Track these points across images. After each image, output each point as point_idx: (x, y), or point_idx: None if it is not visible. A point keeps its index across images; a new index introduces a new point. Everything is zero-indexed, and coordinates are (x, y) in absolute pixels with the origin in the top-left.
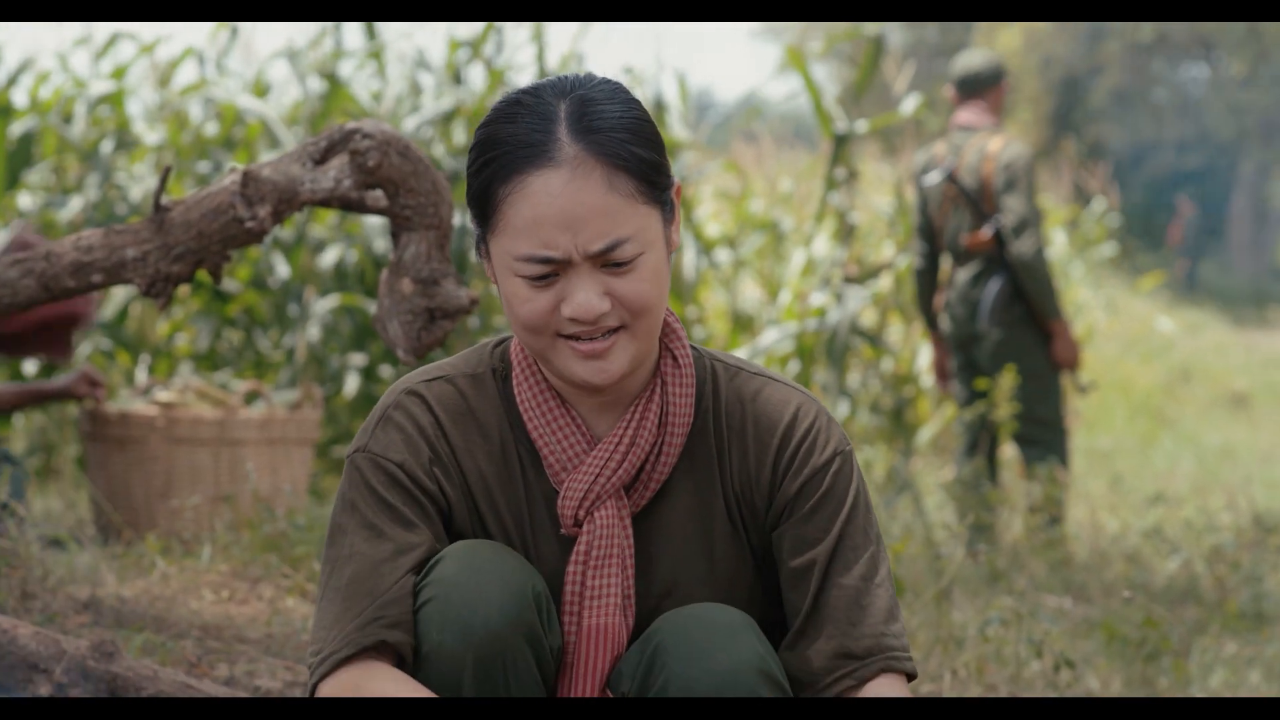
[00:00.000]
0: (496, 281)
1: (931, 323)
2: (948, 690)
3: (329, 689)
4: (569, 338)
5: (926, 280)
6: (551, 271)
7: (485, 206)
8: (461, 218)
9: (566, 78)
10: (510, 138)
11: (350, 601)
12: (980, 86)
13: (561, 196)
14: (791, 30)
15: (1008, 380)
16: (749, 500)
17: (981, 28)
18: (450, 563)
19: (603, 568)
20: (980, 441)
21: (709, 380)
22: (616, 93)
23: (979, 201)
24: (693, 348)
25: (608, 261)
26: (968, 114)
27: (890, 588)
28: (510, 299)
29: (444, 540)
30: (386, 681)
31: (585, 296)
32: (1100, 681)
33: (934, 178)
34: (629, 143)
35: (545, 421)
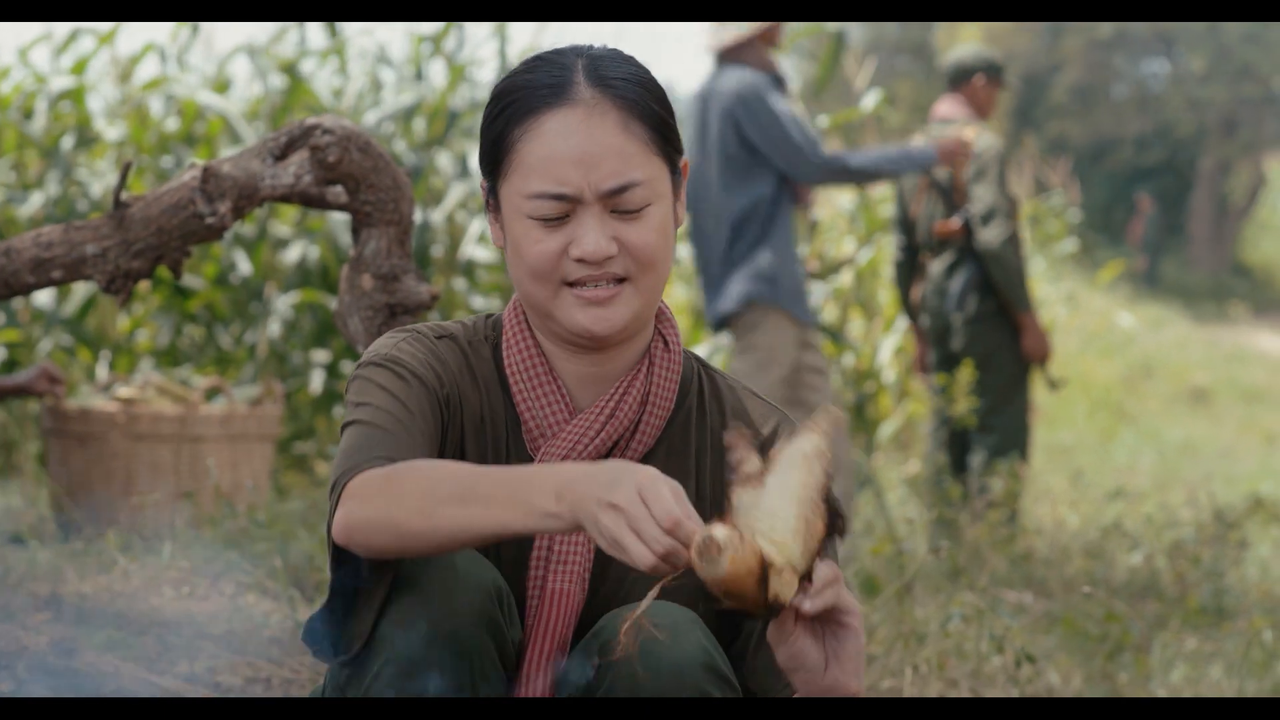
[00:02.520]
0: (504, 236)
1: (912, 315)
2: (909, 686)
3: (360, 479)
4: (574, 285)
5: (905, 272)
6: (563, 212)
7: (498, 152)
8: (423, 214)
9: (583, 44)
10: (528, 84)
11: (386, 441)
12: (956, 79)
13: (577, 133)
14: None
15: (965, 375)
16: (720, 505)
17: (943, 24)
18: (410, 559)
19: (570, 536)
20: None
21: (695, 380)
22: (631, 58)
23: (949, 191)
24: (683, 350)
25: (618, 206)
26: (946, 106)
27: None
28: (519, 242)
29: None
30: (422, 464)
31: (594, 238)
32: (1061, 677)
33: None
34: (644, 96)
35: (530, 386)
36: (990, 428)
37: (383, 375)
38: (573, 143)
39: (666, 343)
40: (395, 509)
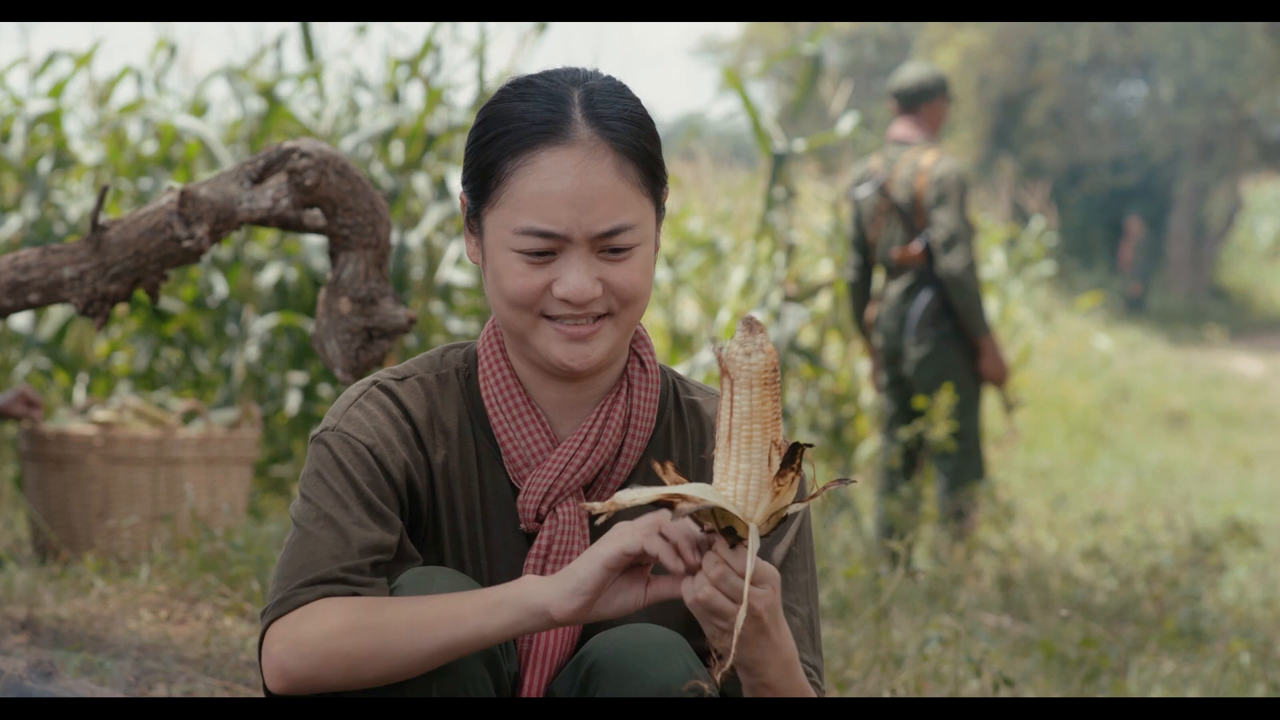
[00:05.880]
0: (483, 258)
1: (865, 334)
2: None
3: (281, 626)
4: (553, 319)
5: (859, 293)
6: (549, 249)
7: (489, 180)
8: (400, 237)
9: (576, 68)
10: (524, 115)
11: (315, 561)
12: (916, 101)
13: (572, 175)
14: (730, 50)
15: (945, 399)
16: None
17: (920, 46)
18: (407, 592)
19: (562, 562)
20: (919, 461)
21: (670, 395)
22: (624, 89)
23: (910, 215)
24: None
25: (606, 247)
26: (902, 128)
27: (817, 612)
28: (501, 273)
29: (402, 534)
30: (340, 607)
31: (579, 279)
32: None
33: (865, 190)
34: (638, 135)
35: (510, 417)
36: (947, 451)
37: (329, 464)
38: (567, 184)
39: (643, 363)
40: (336, 648)
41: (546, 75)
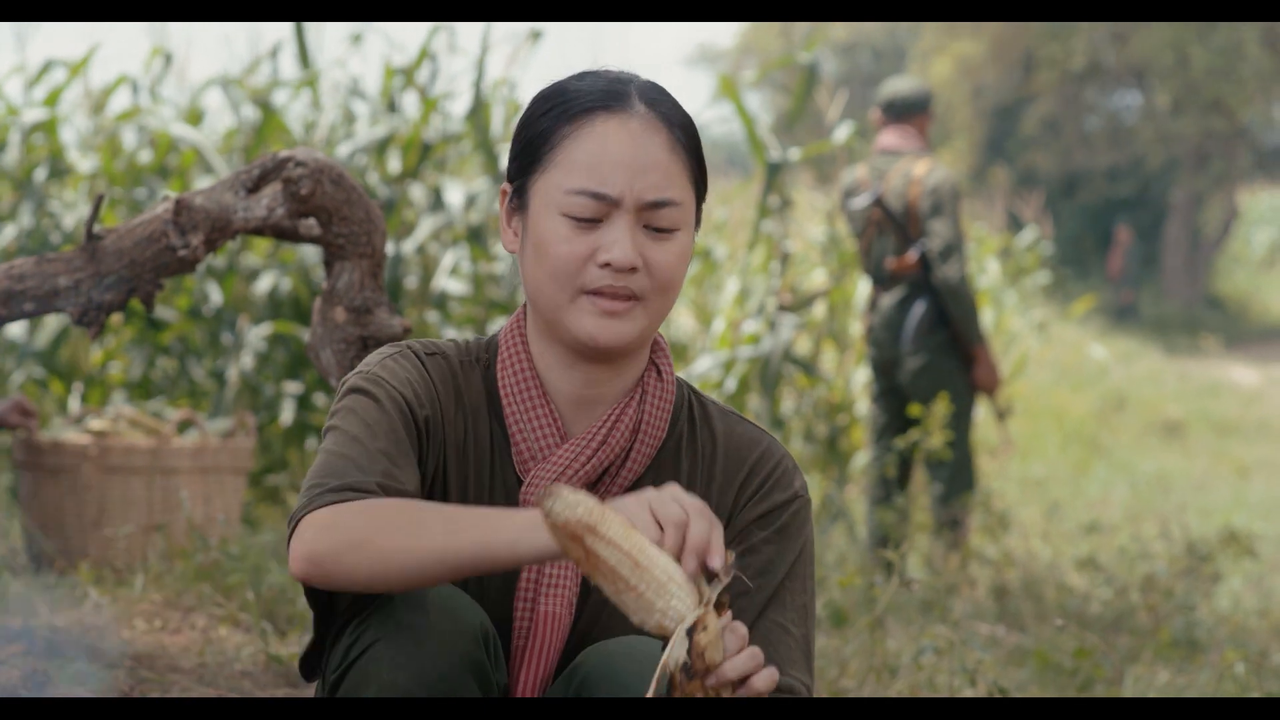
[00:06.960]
0: (524, 235)
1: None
2: None
3: (324, 511)
4: (592, 294)
5: None
6: (598, 214)
7: (541, 146)
8: (395, 246)
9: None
10: (580, 89)
11: (344, 472)
12: (907, 111)
13: (629, 141)
14: (726, 59)
15: (941, 408)
16: None
17: (915, 56)
18: (399, 601)
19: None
20: (913, 470)
21: (685, 408)
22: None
23: (905, 225)
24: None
25: (651, 222)
26: (892, 138)
27: (813, 634)
28: (546, 240)
29: (419, 486)
30: (376, 501)
31: (625, 246)
32: None
33: (862, 201)
34: (690, 133)
35: (524, 408)
36: (941, 460)
37: (360, 400)
38: (624, 148)
39: (660, 372)
40: (371, 533)
41: (601, 69)
